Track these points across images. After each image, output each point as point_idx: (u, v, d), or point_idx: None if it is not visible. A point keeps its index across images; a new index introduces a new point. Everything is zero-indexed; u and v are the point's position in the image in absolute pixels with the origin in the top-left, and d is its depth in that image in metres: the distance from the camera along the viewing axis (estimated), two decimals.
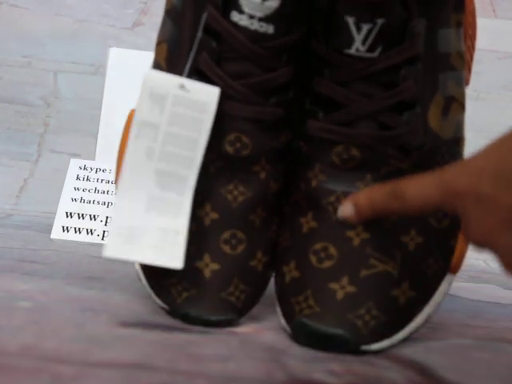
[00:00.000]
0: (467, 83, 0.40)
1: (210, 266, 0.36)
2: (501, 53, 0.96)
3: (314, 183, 0.37)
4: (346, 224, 0.35)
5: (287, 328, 0.36)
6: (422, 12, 0.34)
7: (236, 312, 0.36)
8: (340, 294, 0.34)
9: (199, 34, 0.36)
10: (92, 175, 0.75)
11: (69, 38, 0.97)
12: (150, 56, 0.87)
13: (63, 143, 0.91)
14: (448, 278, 0.37)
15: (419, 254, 0.35)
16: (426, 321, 0.36)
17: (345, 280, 0.34)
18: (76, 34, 0.97)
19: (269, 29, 0.34)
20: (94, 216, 0.71)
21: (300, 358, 0.32)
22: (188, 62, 0.36)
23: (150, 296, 0.38)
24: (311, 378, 0.29)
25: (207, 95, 0.35)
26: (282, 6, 0.34)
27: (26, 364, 0.26)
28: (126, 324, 0.35)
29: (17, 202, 0.85)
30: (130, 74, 0.86)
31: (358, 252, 0.35)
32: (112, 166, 0.76)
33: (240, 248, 0.37)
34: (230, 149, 0.36)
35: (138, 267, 0.39)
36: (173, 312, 0.36)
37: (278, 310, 0.37)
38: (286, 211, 0.39)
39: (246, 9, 0.34)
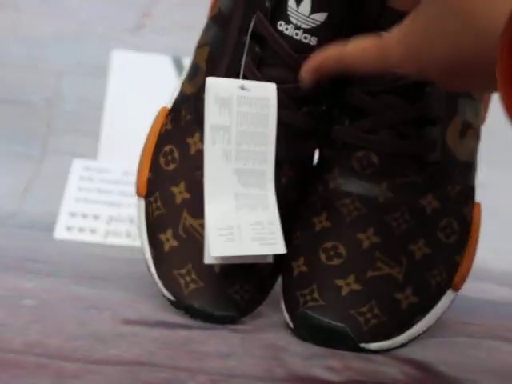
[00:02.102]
0: (483, 121, 0.40)
1: (220, 266, 0.37)
2: None
3: (331, 185, 0.38)
4: (357, 227, 0.36)
5: (289, 321, 0.36)
6: None
7: (239, 310, 0.37)
8: (345, 290, 0.35)
9: (246, 38, 0.37)
10: (95, 175, 0.75)
11: (72, 40, 0.97)
12: (151, 58, 0.88)
13: (66, 144, 0.92)
14: (449, 293, 0.37)
15: (425, 263, 0.36)
16: (424, 332, 0.37)
17: (351, 278, 0.35)
18: (79, 36, 0.98)
19: (312, 40, 0.36)
20: (97, 216, 0.72)
21: (300, 354, 0.32)
22: (228, 63, 0.38)
23: (157, 286, 0.39)
24: (311, 375, 0.29)
25: (267, 91, 0.36)
26: (328, 20, 0.36)
27: (30, 361, 0.27)
28: (128, 322, 0.35)
29: (20, 202, 0.85)
30: (132, 75, 0.87)
31: (367, 254, 0.36)
32: (115, 166, 0.77)
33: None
34: None
35: (148, 255, 0.39)
36: (177, 303, 0.37)
37: (282, 303, 0.38)
38: (301, 211, 0.40)
39: (293, 20, 0.36)
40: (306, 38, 0.36)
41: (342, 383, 0.28)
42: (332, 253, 0.36)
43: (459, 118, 0.38)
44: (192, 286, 0.36)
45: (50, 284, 0.43)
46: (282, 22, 0.36)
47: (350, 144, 0.37)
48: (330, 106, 0.39)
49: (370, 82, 0.36)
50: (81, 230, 0.71)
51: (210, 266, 0.37)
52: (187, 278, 0.37)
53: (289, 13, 0.36)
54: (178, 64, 0.88)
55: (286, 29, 0.36)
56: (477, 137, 0.39)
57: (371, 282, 0.35)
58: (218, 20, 0.39)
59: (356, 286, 0.35)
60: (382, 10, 0.36)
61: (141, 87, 0.86)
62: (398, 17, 0.35)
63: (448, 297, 0.37)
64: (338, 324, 0.34)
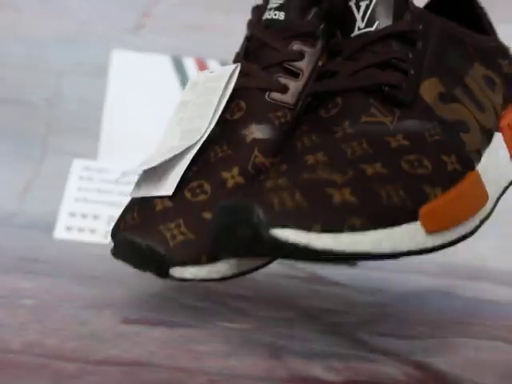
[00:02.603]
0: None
1: (163, 203, 0.36)
2: None
3: (296, 135, 0.36)
4: (306, 152, 0.33)
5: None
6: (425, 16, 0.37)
7: (165, 246, 0.34)
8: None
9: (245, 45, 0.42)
10: (95, 175, 0.75)
11: (72, 40, 0.97)
12: (151, 58, 0.88)
13: (66, 144, 0.91)
14: (416, 227, 0.31)
15: (378, 179, 0.31)
16: (375, 255, 0.30)
17: (282, 180, 0.30)
18: (79, 36, 0.98)
19: (280, 15, 0.40)
20: (97, 216, 0.72)
21: (300, 354, 0.32)
22: None
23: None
24: (311, 375, 0.29)
25: (226, 70, 0.40)
26: None
27: (29, 361, 0.27)
28: (128, 321, 0.35)
29: (20, 202, 0.85)
30: (132, 75, 0.87)
31: (308, 166, 0.32)
32: (115, 166, 0.76)
33: (201, 198, 0.36)
34: (227, 115, 0.40)
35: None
36: (113, 241, 0.37)
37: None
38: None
39: (270, 5, 0.41)
40: (275, 14, 0.41)
41: (341, 383, 0.28)
42: (273, 171, 0.32)
43: (439, 81, 0.36)
44: (130, 222, 0.36)
45: (49, 284, 0.42)
46: (265, 13, 0.42)
47: (319, 98, 0.37)
48: (309, 81, 0.40)
49: (346, 53, 0.37)
50: (80, 229, 0.71)
51: (152, 206, 0.36)
52: (128, 217, 0.37)
53: (269, 2, 0.41)
54: (177, 64, 0.88)
55: (264, 15, 0.41)
56: (474, 123, 0.37)
57: (301, 179, 0.30)
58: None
59: (282, 182, 0.30)
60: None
61: (141, 87, 0.86)
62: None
63: (413, 228, 0.31)
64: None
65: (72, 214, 0.72)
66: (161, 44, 0.97)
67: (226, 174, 0.37)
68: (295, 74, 0.40)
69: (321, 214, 0.28)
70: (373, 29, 0.36)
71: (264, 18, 0.41)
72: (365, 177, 0.31)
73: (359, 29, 0.37)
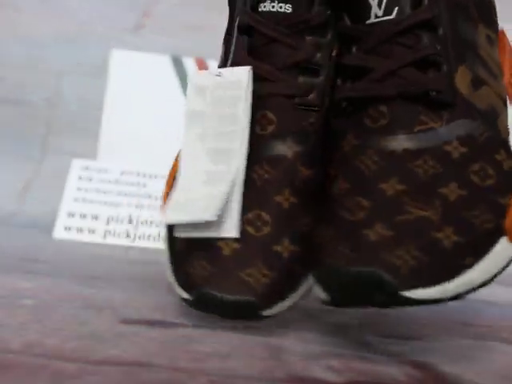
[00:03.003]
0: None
1: (230, 245, 0.35)
2: None
3: (346, 148, 0.35)
4: (378, 178, 0.33)
5: (320, 291, 0.32)
6: None
7: (255, 295, 0.34)
8: (374, 237, 0.31)
9: (234, 36, 0.39)
10: (94, 175, 0.75)
11: (71, 40, 0.97)
12: (151, 58, 0.88)
13: (66, 144, 0.91)
14: (505, 243, 0.32)
15: (462, 204, 0.32)
16: (482, 285, 0.31)
17: (378, 226, 0.31)
18: (79, 36, 0.98)
19: (286, 8, 0.37)
20: (96, 216, 0.72)
21: (300, 354, 0.32)
22: (228, 63, 0.39)
23: (176, 291, 0.37)
24: (311, 375, 0.29)
25: (239, 74, 0.38)
26: None
27: (28, 361, 0.27)
28: (127, 321, 0.35)
29: (20, 202, 0.85)
30: (132, 75, 0.87)
31: (392, 201, 0.32)
32: (114, 166, 0.76)
33: (265, 230, 0.35)
34: (257, 128, 0.37)
35: (167, 257, 0.38)
36: (192, 297, 0.35)
37: (314, 282, 0.34)
38: (322, 185, 0.38)
39: None
40: (280, 7, 0.38)
41: (342, 383, 0.28)
42: (355, 208, 0.33)
43: (467, 68, 0.36)
44: (203, 273, 0.34)
45: (48, 284, 0.42)
46: (261, 4, 0.38)
47: (356, 102, 0.36)
48: (328, 77, 0.38)
49: (365, 42, 0.36)
50: (80, 230, 0.71)
51: (219, 250, 0.35)
52: (197, 268, 0.35)
53: None
54: (177, 64, 0.88)
55: (265, 6, 0.38)
56: (500, 100, 0.37)
57: (402, 225, 0.31)
58: (223, 42, 0.41)
59: (386, 232, 0.31)
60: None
61: (140, 87, 0.86)
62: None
63: (503, 246, 0.32)
64: (370, 269, 0.29)
65: (71, 214, 0.72)
66: (161, 44, 0.97)
67: (279, 198, 0.36)
68: (314, 71, 0.38)
69: (442, 265, 0.30)
70: (392, 16, 0.35)
71: (265, 9, 0.38)
72: (451, 206, 0.32)
73: (376, 16, 0.35)
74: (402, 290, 0.29)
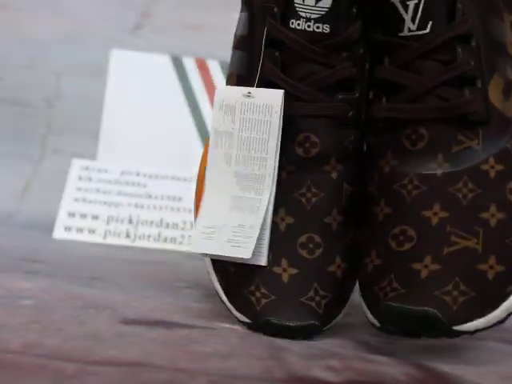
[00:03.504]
0: None
1: (288, 271, 0.36)
2: None
3: (386, 169, 0.36)
4: (421, 205, 0.35)
5: (374, 320, 0.34)
6: None
7: (317, 318, 0.36)
8: (424, 273, 0.33)
9: (262, 47, 0.38)
10: (94, 175, 0.75)
11: (71, 40, 0.97)
12: (151, 58, 0.88)
13: (66, 144, 0.91)
14: None
15: (502, 229, 0.34)
16: None
17: (427, 259, 0.33)
18: (79, 36, 0.98)
19: (324, 28, 0.36)
20: (96, 216, 0.72)
21: (299, 354, 0.32)
22: (256, 77, 0.38)
23: (231, 313, 0.38)
24: (311, 375, 0.29)
25: (272, 98, 0.37)
26: (334, 5, 0.36)
27: (28, 361, 0.27)
28: (127, 322, 0.35)
29: (19, 202, 0.85)
30: (132, 75, 0.87)
31: (438, 230, 0.34)
32: (114, 165, 0.76)
33: (317, 252, 0.37)
34: (299, 150, 0.37)
35: (217, 285, 0.39)
36: (253, 322, 0.36)
37: (363, 304, 0.36)
38: (361, 205, 0.38)
39: (302, 14, 0.36)
40: (318, 27, 0.36)
41: (341, 383, 0.28)
42: (402, 238, 0.34)
43: (499, 75, 0.36)
44: (264, 301, 0.36)
45: (48, 284, 0.42)
46: (292, 20, 0.37)
47: (393, 122, 0.36)
48: (363, 91, 0.38)
49: (398, 56, 0.36)
50: (80, 230, 0.71)
51: (278, 277, 0.36)
52: (257, 295, 0.36)
53: (297, 9, 0.37)
54: (177, 64, 0.88)
55: (298, 24, 0.37)
56: None
57: (449, 258, 0.33)
58: (238, 45, 0.40)
59: (434, 266, 0.33)
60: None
61: (140, 87, 0.86)
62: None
63: None
64: (424, 308, 0.32)
65: (71, 214, 0.72)
66: (161, 44, 0.97)
67: (328, 219, 0.37)
68: (351, 88, 0.38)
69: (487, 297, 0.33)
70: (427, 31, 0.35)
71: (298, 27, 0.37)
72: (493, 232, 0.34)
73: (410, 30, 0.35)
74: (453, 326, 0.32)
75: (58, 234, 0.70)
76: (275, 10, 0.37)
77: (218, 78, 0.86)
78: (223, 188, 0.37)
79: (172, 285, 0.48)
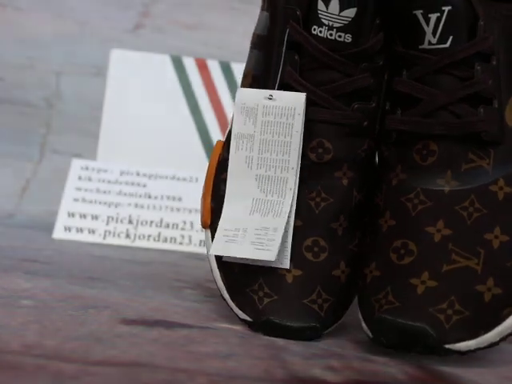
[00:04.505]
0: None
1: (292, 272, 0.36)
2: None
3: (394, 182, 0.37)
4: (425, 220, 0.35)
5: (367, 331, 0.35)
6: (492, 15, 0.36)
7: (319, 321, 0.36)
8: (420, 289, 0.33)
9: (283, 50, 0.38)
10: (94, 175, 0.75)
11: (71, 39, 0.97)
12: (151, 58, 0.88)
13: (65, 144, 0.91)
14: None
15: (505, 252, 0.34)
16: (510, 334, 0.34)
17: (425, 275, 0.33)
18: (78, 36, 0.98)
19: (346, 38, 0.36)
20: (96, 216, 0.72)
21: (299, 354, 0.32)
22: (276, 78, 0.38)
23: (232, 311, 0.38)
24: (311, 375, 0.29)
25: (294, 101, 0.37)
26: (358, 15, 0.36)
27: (27, 362, 0.27)
28: (127, 322, 0.35)
29: (19, 202, 0.85)
30: (131, 75, 0.87)
31: (439, 247, 0.34)
32: (114, 165, 0.76)
33: (322, 256, 0.37)
34: (312, 155, 0.37)
35: (220, 283, 0.39)
36: (254, 321, 0.36)
37: (359, 313, 0.36)
38: (368, 215, 0.39)
39: (325, 21, 0.37)
40: (340, 36, 0.37)
41: (341, 383, 0.28)
42: (402, 251, 0.35)
43: None
44: (266, 300, 0.36)
45: (48, 284, 0.42)
46: (315, 27, 0.37)
47: (405, 135, 0.36)
48: (380, 101, 0.38)
49: (416, 68, 0.36)
50: (79, 230, 0.70)
51: (282, 278, 0.36)
52: (260, 294, 0.36)
53: (320, 16, 0.37)
54: (177, 64, 0.88)
55: (320, 31, 0.37)
56: None
57: (448, 276, 0.33)
58: (256, 45, 0.40)
59: (432, 283, 0.33)
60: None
61: (140, 87, 0.86)
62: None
63: None
64: (417, 324, 0.32)
65: (71, 214, 0.72)
66: (160, 44, 0.97)
67: (334, 224, 0.38)
68: (368, 98, 0.38)
69: (481, 319, 0.33)
70: (447, 45, 0.35)
71: (321, 34, 0.37)
72: (495, 254, 0.34)
73: (430, 43, 0.35)
74: (444, 344, 0.32)
75: (58, 234, 0.70)
76: (298, 13, 0.37)
77: (218, 78, 0.86)
78: (244, 191, 0.38)
79: (172, 285, 0.48)
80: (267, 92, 0.38)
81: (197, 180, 0.76)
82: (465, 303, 0.33)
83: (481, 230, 0.34)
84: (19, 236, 0.65)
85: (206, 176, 0.40)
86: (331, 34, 0.37)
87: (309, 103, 0.37)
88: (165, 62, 0.87)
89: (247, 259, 0.37)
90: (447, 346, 0.32)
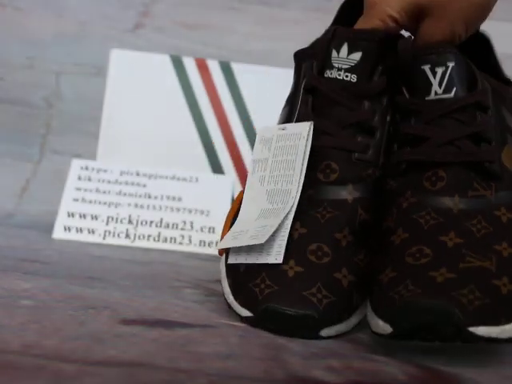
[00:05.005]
0: None
1: (294, 269, 0.38)
2: (500, 54, 0.96)
3: (405, 205, 0.39)
4: (438, 231, 0.37)
5: (386, 327, 0.34)
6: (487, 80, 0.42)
7: (317, 312, 0.36)
8: (440, 279, 0.34)
9: (300, 95, 0.44)
10: (94, 175, 0.75)
11: (71, 39, 0.97)
12: (151, 57, 0.88)
13: (65, 144, 0.91)
14: None
15: None
16: None
17: (443, 270, 0.35)
18: (78, 36, 0.98)
19: (352, 78, 0.42)
20: (96, 216, 0.72)
21: (299, 354, 0.32)
22: (294, 116, 0.45)
23: (234, 311, 0.39)
24: (310, 375, 0.29)
25: (301, 128, 0.42)
26: (362, 59, 0.42)
27: (27, 362, 0.27)
28: (127, 322, 0.35)
29: (19, 202, 0.85)
30: (131, 75, 0.87)
31: (454, 251, 0.36)
32: (113, 165, 0.76)
33: (325, 260, 0.39)
34: (320, 176, 0.41)
35: (227, 289, 0.40)
36: (254, 314, 0.37)
37: (373, 317, 0.36)
38: (378, 237, 0.41)
39: (335, 65, 0.43)
40: (347, 76, 0.42)
41: (341, 383, 0.28)
42: (418, 255, 0.36)
43: (509, 148, 0.40)
44: (267, 291, 0.37)
45: (47, 284, 0.42)
46: (327, 71, 0.43)
47: (415, 165, 0.40)
48: (383, 137, 0.43)
49: (423, 115, 0.40)
50: (79, 230, 0.70)
51: (283, 272, 0.38)
52: (262, 286, 0.38)
53: (332, 61, 0.43)
54: (177, 63, 0.87)
55: (331, 73, 0.43)
56: None
57: (465, 271, 0.34)
58: (286, 102, 0.47)
59: (450, 275, 0.34)
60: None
61: (140, 87, 0.86)
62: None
63: None
64: (441, 303, 0.32)
65: (71, 214, 0.72)
66: (160, 43, 0.97)
67: (338, 235, 0.40)
68: (371, 132, 0.42)
69: (501, 308, 0.33)
70: (451, 95, 0.40)
71: (331, 76, 0.43)
72: (506, 260, 0.36)
73: (436, 93, 0.40)
74: (468, 326, 0.32)
75: (58, 234, 0.70)
76: (314, 64, 0.44)
77: (218, 77, 0.86)
78: (255, 204, 0.42)
79: (172, 285, 0.48)
80: (282, 126, 0.43)
81: (197, 180, 0.76)
82: (484, 292, 0.33)
83: (490, 242, 0.36)
84: (19, 236, 0.65)
85: (228, 214, 0.44)
86: (340, 75, 0.42)
87: (320, 133, 0.42)
88: (165, 62, 0.87)
89: (248, 257, 0.39)
90: (471, 329, 0.32)
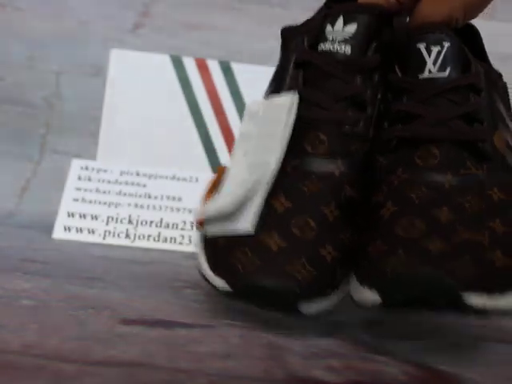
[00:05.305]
0: None
1: (277, 243, 0.37)
2: (500, 54, 0.96)
3: (396, 182, 0.39)
4: (430, 205, 0.36)
5: (376, 298, 0.34)
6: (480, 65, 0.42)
7: (299, 287, 0.36)
8: (432, 247, 0.34)
9: (290, 70, 0.43)
10: (93, 175, 0.75)
11: (71, 39, 0.97)
12: (151, 57, 0.88)
13: (65, 144, 0.91)
14: None
15: (508, 237, 0.35)
16: None
17: (437, 241, 0.34)
18: (78, 36, 0.98)
19: (346, 50, 0.42)
20: (96, 216, 0.72)
21: (299, 354, 0.32)
22: (283, 90, 0.44)
23: (210, 281, 0.38)
24: (311, 375, 0.29)
25: (285, 99, 0.42)
26: (357, 32, 0.42)
27: (27, 362, 0.27)
28: (127, 322, 0.35)
29: (19, 202, 0.85)
30: (131, 75, 0.87)
31: (446, 226, 0.35)
32: (113, 165, 0.76)
33: (310, 235, 0.38)
34: (308, 147, 0.41)
35: (205, 265, 0.39)
36: (234, 287, 0.36)
37: (358, 288, 0.36)
38: (367, 213, 0.40)
39: (329, 37, 0.42)
40: (341, 48, 0.42)
41: (341, 383, 0.28)
42: (409, 227, 0.36)
43: (501, 132, 0.40)
44: (248, 265, 0.36)
45: (47, 284, 0.42)
46: (321, 44, 0.42)
47: (406, 142, 0.39)
48: (373, 113, 0.42)
49: (416, 94, 0.40)
50: (79, 230, 0.70)
51: (266, 246, 0.37)
52: (243, 260, 0.37)
53: (327, 34, 0.42)
54: (177, 63, 0.87)
55: (325, 46, 0.42)
56: None
57: (457, 243, 0.34)
58: (274, 80, 0.45)
59: (444, 247, 0.34)
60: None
61: (140, 87, 0.86)
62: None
63: None
64: (437, 274, 0.32)
65: (71, 214, 0.72)
66: (160, 43, 0.97)
67: (325, 209, 0.39)
68: (362, 107, 0.42)
69: (495, 279, 0.33)
70: (445, 75, 0.40)
71: (325, 47, 0.42)
72: (498, 236, 0.36)
73: (430, 72, 0.40)
74: (461, 291, 0.32)
75: (58, 234, 0.70)
76: (305, 38, 0.43)
77: (218, 77, 0.86)
78: (237, 177, 0.41)
79: (172, 285, 0.48)
80: (268, 97, 0.42)
81: (197, 180, 0.76)
82: (478, 263, 0.33)
83: (483, 219, 0.36)
84: (19, 236, 0.65)
85: (206, 187, 0.43)
86: (334, 47, 0.42)
87: (310, 104, 0.41)
88: (165, 62, 0.87)
89: (221, 226, 0.39)
90: (463, 296, 0.32)
